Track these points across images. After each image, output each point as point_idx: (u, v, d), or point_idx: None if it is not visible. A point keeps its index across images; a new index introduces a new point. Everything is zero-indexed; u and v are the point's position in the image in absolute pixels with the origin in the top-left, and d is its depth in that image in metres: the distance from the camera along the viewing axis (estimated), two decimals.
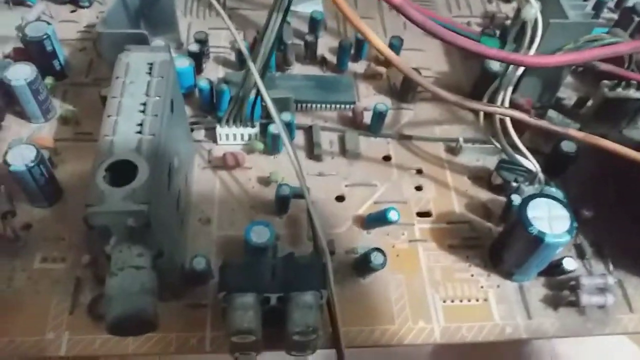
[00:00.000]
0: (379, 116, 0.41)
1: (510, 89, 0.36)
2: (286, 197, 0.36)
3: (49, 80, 0.42)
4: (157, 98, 0.29)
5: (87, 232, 0.35)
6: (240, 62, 0.45)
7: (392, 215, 0.35)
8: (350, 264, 0.35)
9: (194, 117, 0.42)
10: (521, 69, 0.35)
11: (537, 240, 0.31)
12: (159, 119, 0.29)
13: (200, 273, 0.32)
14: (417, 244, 0.37)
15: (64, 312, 0.32)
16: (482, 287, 0.35)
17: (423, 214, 0.38)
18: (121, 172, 0.27)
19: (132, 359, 0.40)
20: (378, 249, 0.33)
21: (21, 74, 0.38)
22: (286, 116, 0.38)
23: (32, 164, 0.33)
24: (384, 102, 0.42)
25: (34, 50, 0.41)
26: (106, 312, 0.25)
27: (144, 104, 0.29)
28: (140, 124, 0.28)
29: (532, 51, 0.34)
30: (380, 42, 0.28)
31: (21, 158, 0.33)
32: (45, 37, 0.40)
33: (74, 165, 0.39)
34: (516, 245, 0.34)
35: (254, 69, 0.34)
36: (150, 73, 0.30)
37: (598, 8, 0.50)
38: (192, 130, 0.41)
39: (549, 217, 0.32)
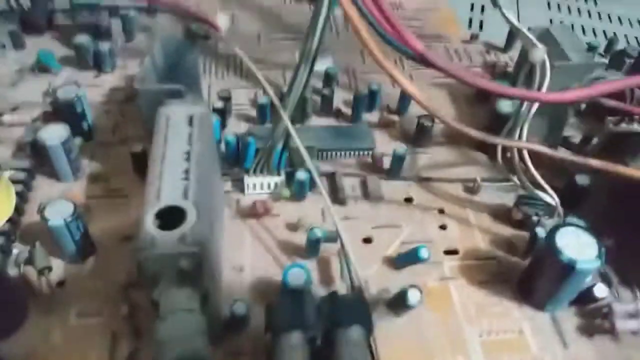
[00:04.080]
0: (398, 159, 0.42)
1: (526, 126, 0.38)
2: (317, 240, 0.37)
3: (77, 141, 0.43)
4: (199, 147, 0.31)
5: (124, 283, 0.35)
6: (261, 117, 0.47)
7: (423, 253, 0.36)
8: (383, 303, 0.36)
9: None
10: (534, 108, 0.37)
11: (569, 268, 0.32)
12: (203, 166, 0.30)
13: (240, 318, 0.32)
14: (448, 282, 0.37)
15: None
16: (515, 319, 0.36)
17: (450, 252, 0.39)
18: (169, 218, 0.27)
19: None
20: (414, 286, 0.34)
21: (55, 134, 0.39)
22: (314, 163, 0.40)
23: (70, 219, 0.34)
24: (399, 146, 0.44)
25: (64, 112, 0.42)
26: (157, 358, 0.25)
27: (187, 153, 0.30)
28: (186, 171, 0.29)
29: (544, 91, 0.36)
30: (408, 83, 0.30)
31: (59, 213, 0.34)
32: (76, 99, 0.42)
33: (105, 221, 0.39)
34: (547, 275, 0.34)
35: (286, 117, 0.36)
36: (190, 124, 0.32)
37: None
38: None
39: (578, 244, 0.33)
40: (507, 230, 0.41)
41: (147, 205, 0.28)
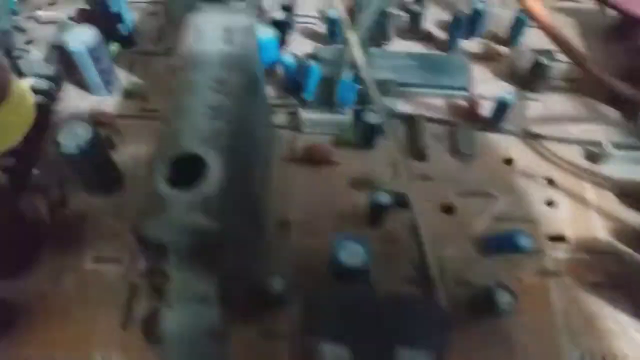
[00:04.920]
0: (502, 107, 0.33)
1: None
2: (383, 206, 0.29)
3: (114, 47, 0.36)
4: (237, 73, 0.23)
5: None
6: (332, 35, 0.37)
7: (523, 242, 0.27)
8: (460, 299, 0.28)
9: (274, 99, 0.35)
10: None
11: None
12: (239, 102, 0.22)
13: (278, 296, 0.26)
14: (549, 279, 0.29)
15: (116, 327, 0.27)
16: (636, 341, 0.27)
17: (556, 238, 0.30)
18: (184, 167, 0.20)
19: None
20: (503, 286, 0.25)
21: (81, 37, 0.32)
22: (391, 102, 0.31)
23: (86, 146, 0.28)
24: (504, 88, 0.34)
25: (97, 11, 0.35)
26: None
27: (220, 82, 0.22)
28: (215, 108, 0.22)
29: None
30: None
31: (74, 138, 0.28)
32: None
33: (138, 146, 0.33)
34: None
35: (353, 36, 0.27)
36: (228, 41, 0.23)
37: None
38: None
39: None
40: (638, 218, 0.31)
41: (158, 151, 0.21)
